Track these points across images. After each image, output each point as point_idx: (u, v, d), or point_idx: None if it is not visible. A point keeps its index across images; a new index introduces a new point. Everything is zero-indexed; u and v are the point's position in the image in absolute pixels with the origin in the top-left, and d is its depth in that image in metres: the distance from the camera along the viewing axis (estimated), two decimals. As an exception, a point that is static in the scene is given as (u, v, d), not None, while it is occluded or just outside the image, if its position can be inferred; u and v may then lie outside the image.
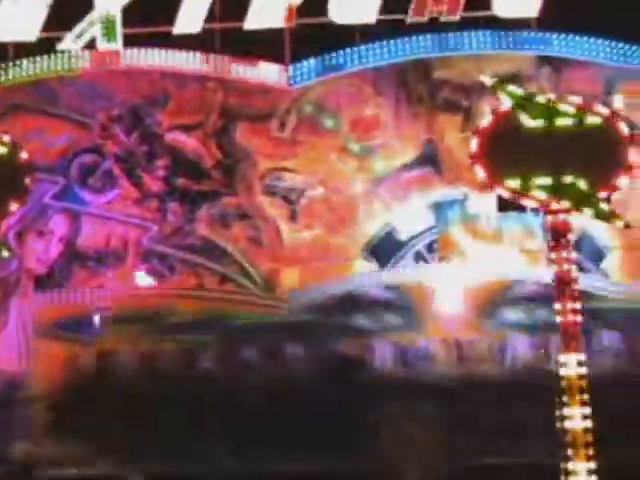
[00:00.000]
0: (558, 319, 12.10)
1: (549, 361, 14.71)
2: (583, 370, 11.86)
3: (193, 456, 14.10)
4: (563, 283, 12.28)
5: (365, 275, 15.89)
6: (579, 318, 12.14)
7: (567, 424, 11.82)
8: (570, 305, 12.13)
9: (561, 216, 12.38)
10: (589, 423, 11.59)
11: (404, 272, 15.88)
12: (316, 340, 15.29)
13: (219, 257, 15.98)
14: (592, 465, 11.04)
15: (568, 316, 12.08)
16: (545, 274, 12.66)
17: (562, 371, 11.85)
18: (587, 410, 11.60)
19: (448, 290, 15.25)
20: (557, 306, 12.12)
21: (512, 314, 15.47)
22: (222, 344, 15.26)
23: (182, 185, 16.22)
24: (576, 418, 11.82)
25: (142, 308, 15.26)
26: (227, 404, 14.42)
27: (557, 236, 12.34)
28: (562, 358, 11.87)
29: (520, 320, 15.44)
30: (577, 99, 13.31)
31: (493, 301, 15.14)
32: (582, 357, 11.87)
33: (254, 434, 14.11)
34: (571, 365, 11.78)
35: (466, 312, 15.28)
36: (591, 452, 11.10)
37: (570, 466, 11.11)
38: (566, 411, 11.80)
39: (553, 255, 12.18)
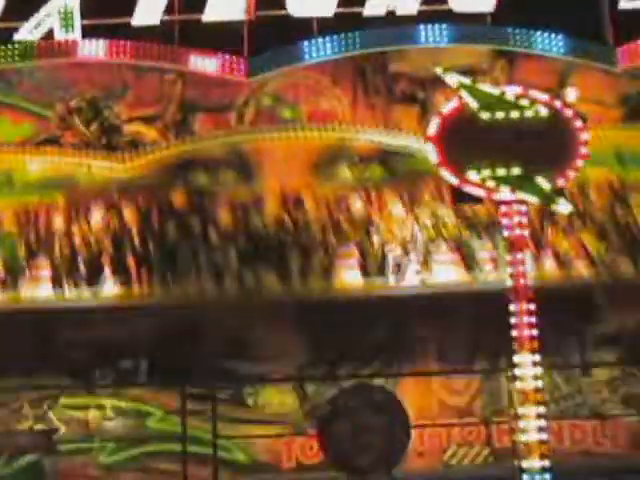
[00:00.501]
0: (513, 320, 12.25)
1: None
2: (538, 370, 11.98)
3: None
4: (517, 284, 12.38)
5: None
6: (533, 319, 12.26)
7: (521, 423, 11.97)
8: (525, 306, 12.23)
9: (515, 207, 12.46)
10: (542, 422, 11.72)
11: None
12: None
13: None
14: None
15: (523, 317, 12.17)
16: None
17: (517, 371, 12.00)
18: (542, 410, 11.72)
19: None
20: (512, 307, 12.25)
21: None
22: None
23: None
24: (532, 431, 11.96)
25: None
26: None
27: (512, 233, 12.41)
28: (516, 359, 12.01)
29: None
30: (531, 92, 13.40)
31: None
32: (537, 358, 11.98)
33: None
34: (526, 366, 11.89)
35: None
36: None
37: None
38: (520, 410, 11.93)
39: (508, 257, 12.27)
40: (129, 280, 14.81)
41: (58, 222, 15.22)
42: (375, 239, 15.26)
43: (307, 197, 15.74)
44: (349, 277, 15.18)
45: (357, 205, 15.65)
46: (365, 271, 15.20)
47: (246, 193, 15.61)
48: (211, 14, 16.56)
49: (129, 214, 15.35)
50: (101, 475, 15.10)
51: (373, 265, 15.17)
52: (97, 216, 15.38)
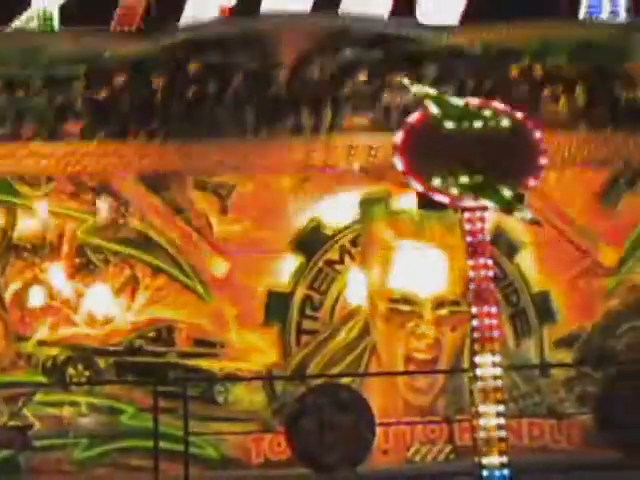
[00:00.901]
0: (475, 323, 12.47)
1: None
2: (498, 371, 12.21)
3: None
4: (479, 288, 12.61)
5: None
6: (495, 321, 12.49)
7: (481, 421, 12.19)
8: (486, 309, 12.47)
9: (477, 214, 12.69)
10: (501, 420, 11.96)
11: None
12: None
13: (152, 249, 15.80)
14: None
15: (484, 320, 12.42)
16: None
17: (478, 372, 12.23)
18: (501, 408, 11.95)
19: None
20: (474, 310, 12.47)
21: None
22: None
23: None
24: (492, 428, 12.19)
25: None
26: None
27: (473, 237, 12.64)
28: (478, 359, 12.23)
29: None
30: (493, 103, 13.64)
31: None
32: (497, 359, 12.22)
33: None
34: (486, 366, 12.12)
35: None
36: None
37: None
38: (480, 408, 12.16)
39: (471, 262, 12.49)
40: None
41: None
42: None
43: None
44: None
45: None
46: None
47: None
48: (187, 21, 16.66)
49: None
50: (75, 470, 15.15)
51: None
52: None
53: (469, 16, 17.01)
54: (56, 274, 15.69)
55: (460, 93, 15.71)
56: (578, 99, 16.41)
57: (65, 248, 15.73)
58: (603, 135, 16.17)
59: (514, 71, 16.44)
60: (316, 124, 15.72)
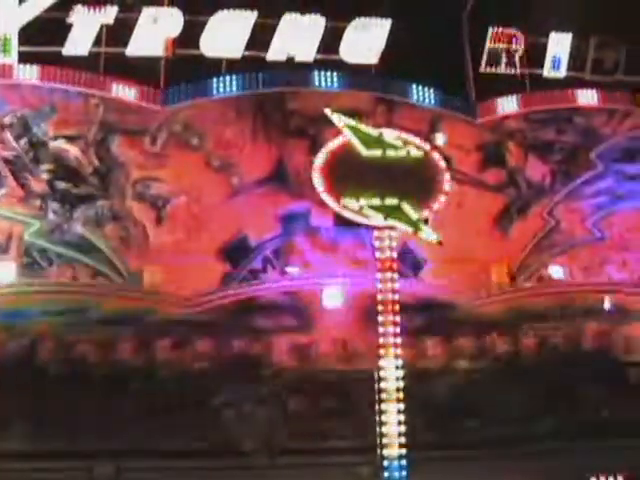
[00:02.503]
0: (381, 330, 13.04)
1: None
2: (400, 373, 12.79)
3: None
4: (386, 299, 13.24)
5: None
6: (398, 329, 13.10)
7: (384, 417, 12.77)
8: (391, 318, 13.09)
9: (386, 232, 13.40)
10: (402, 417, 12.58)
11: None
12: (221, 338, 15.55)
13: (93, 253, 15.99)
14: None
15: (389, 327, 13.04)
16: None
17: (381, 373, 12.79)
18: (402, 406, 12.55)
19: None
20: (380, 318, 13.08)
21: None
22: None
23: (63, 188, 16.21)
24: (391, 414, 12.74)
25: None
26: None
27: (383, 256, 13.30)
28: (382, 363, 12.82)
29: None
30: (405, 135, 14.47)
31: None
32: (400, 363, 12.82)
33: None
34: (390, 370, 12.73)
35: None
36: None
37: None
38: (384, 406, 12.75)
39: (379, 275, 13.12)
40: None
41: None
42: None
43: None
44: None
45: None
46: None
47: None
48: (134, 49, 16.82)
49: None
50: None
51: None
52: None
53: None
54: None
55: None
56: None
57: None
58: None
59: None
60: None
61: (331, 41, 17.50)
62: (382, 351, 12.81)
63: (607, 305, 16.56)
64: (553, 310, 16.40)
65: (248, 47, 17.31)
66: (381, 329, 13.03)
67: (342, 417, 15.23)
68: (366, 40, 17.69)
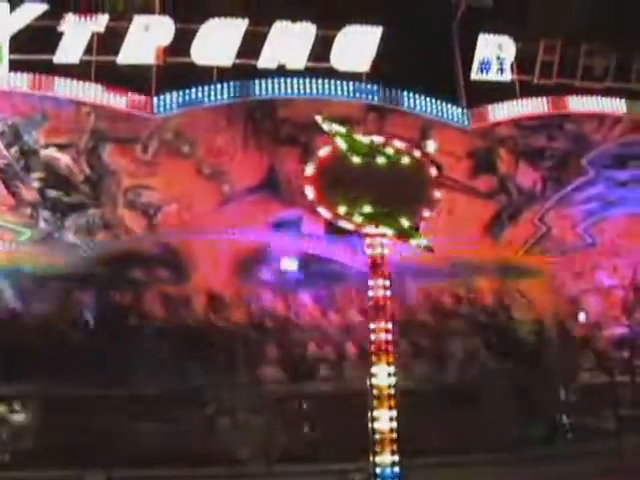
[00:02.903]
0: (372, 337, 13.00)
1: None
2: (392, 380, 12.76)
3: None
4: (378, 306, 13.16)
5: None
6: (390, 336, 13.03)
7: (376, 425, 12.72)
8: (383, 325, 13.00)
9: (378, 240, 13.30)
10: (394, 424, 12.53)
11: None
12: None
13: None
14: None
15: (381, 334, 12.95)
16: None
17: (374, 380, 12.73)
18: (394, 413, 12.51)
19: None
20: (372, 325, 13.00)
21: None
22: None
23: (54, 196, 16.14)
24: (384, 420, 12.70)
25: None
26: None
27: (374, 261, 13.22)
28: (374, 369, 12.76)
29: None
30: (395, 142, 14.37)
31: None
32: (392, 369, 12.77)
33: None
34: (382, 376, 12.66)
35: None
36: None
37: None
38: (376, 413, 12.68)
39: (371, 282, 13.06)
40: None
41: None
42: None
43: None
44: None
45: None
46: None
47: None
48: (125, 57, 16.64)
49: None
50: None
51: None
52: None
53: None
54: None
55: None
56: None
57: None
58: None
59: None
60: None
61: (322, 49, 17.31)
62: (374, 358, 12.70)
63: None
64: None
65: (239, 55, 17.10)
66: (373, 336, 12.97)
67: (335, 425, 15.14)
68: (357, 48, 17.48)
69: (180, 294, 16.15)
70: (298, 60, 17.30)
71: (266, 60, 17.24)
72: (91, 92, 16.26)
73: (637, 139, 18.06)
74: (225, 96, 16.89)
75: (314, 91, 17.03)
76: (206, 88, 16.90)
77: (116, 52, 16.75)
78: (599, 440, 14.12)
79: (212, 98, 16.85)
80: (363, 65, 17.43)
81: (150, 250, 15.91)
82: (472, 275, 17.53)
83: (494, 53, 18.43)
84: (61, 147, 16.37)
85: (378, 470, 12.13)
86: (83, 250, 15.80)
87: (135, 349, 15.29)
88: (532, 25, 18.41)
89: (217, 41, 17.12)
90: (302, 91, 17.02)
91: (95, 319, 15.72)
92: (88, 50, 16.68)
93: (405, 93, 17.47)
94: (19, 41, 16.31)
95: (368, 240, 13.11)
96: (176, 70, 17.01)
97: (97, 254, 15.85)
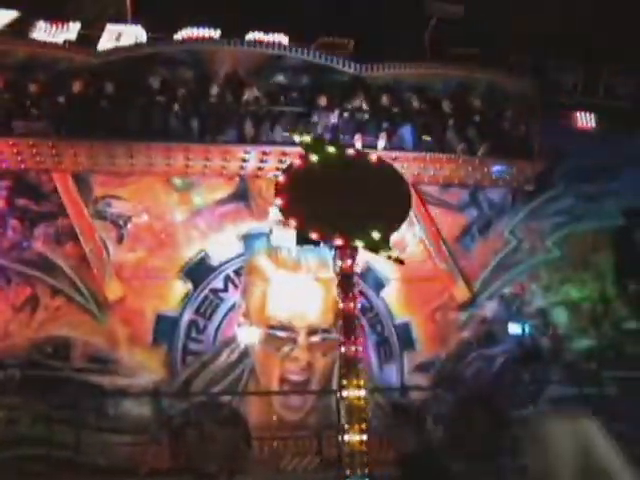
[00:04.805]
0: (342, 350, 12.64)
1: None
2: (361, 393, 12.39)
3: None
4: (347, 318, 12.79)
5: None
6: (360, 349, 12.69)
7: (346, 437, 12.36)
8: (353, 338, 12.65)
9: (348, 252, 12.91)
10: (364, 437, 12.16)
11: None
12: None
13: (52, 271, 15.34)
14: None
15: (351, 347, 12.59)
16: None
17: (344, 393, 12.36)
18: (364, 433, 12.14)
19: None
20: (341, 337, 12.64)
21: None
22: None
23: (22, 205, 15.55)
24: (354, 433, 12.36)
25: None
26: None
27: (344, 273, 12.81)
28: (344, 382, 12.37)
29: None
30: (369, 154, 13.94)
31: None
32: (361, 381, 12.41)
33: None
34: (352, 392, 12.31)
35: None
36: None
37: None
38: (346, 426, 12.33)
39: (340, 293, 12.67)
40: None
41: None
42: None
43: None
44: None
45: None
46: None
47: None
48: None
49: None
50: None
51: None
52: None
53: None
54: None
55: (377, 119, 16.35)
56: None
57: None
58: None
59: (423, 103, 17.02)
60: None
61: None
62: (344, 381, 12.29)
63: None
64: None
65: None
66: (343, 349, 12.61)
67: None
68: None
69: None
70: (270, 70, 16.85)
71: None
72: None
73: (605, 153, 17.84)
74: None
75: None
76: (178, 98, 16.41)
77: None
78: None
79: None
80: (335, 77, 16.94)
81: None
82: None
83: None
84: (30, 155, 15.69)
85: (348, 482, 11.85)
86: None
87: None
88: (501, 39, 18.05)
89: (189, 51, 16.62)
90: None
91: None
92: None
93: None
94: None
95: (338, 252, 12.75)
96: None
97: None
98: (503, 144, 16.96)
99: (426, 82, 17.37)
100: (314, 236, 12.75)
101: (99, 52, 16.18)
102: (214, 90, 16.15)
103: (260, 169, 16.02)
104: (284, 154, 15.64)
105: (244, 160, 15.87)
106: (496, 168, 16.95)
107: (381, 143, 16.16)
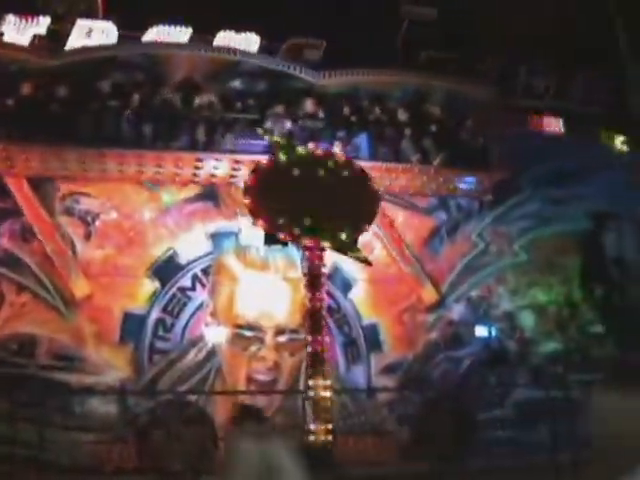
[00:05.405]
0: (309, 348, 12.60)
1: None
2: (328, 394, 12.36)
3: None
4: (314, 316, 12.80)
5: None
6: (327, 346, 12.67)
7: (311, 437, 12.33)
8: (319, 336, 12.64)
9: (316, 252, 12.90)
10: (330, 437, 12.13)
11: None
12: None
13: (18, 268, 15.09)
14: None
15: (318, 345, 12.59)
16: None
17: (310, 394, 12.33)
18: (330, 427, 12.12)
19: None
20: (308, 337, 12.62)
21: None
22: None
23: None
24: (320, 434, 12.31)
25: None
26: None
27: (312, 273, 12.81)
28: (310, 382, 12.35)
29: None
30: (338, 154, 13.96)
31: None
32: (328, 382, 12.38)
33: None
34: (318, 389, 12.28)
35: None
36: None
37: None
38: (312, 426, 12.30)
39: (308, 293, 12.63)
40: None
41: None
42: None
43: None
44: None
45: None
46: None
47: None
48: None
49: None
50: None
51: None
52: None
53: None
54: None
55: (333, 127, 16.22)
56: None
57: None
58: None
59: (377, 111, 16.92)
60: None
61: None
62: (310, 380, 12.33)
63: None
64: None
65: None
66: (309, 348, 12.66)
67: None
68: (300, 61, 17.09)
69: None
70: (241, 70, 16.76)
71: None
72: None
73: (573, 157, 17.91)
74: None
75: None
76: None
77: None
78: (535, 455, 13.79)
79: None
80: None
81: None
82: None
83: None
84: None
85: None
86: None
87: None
88: (475, 42, 18.08)
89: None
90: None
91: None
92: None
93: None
94: None
95: (306, 252, 12.77)
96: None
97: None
98: (460, 154, 16.87)
99: (384, 90, 17.27)
100: (282, 237, 12.78)
101: (57, 54, 15.92)
102: (168, 95, 15.97)
103: (213, 176, 15.80)
104: (237, 162, 15.54)
105: (197, 167, 15.66)
106: (465, 180, 16.94)
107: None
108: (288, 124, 15.85)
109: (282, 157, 13.16)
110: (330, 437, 12.82)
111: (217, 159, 15.72)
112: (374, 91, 17.20)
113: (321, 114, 16.40)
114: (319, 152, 13.76)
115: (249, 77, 16.57)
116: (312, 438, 12.48)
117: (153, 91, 15.97)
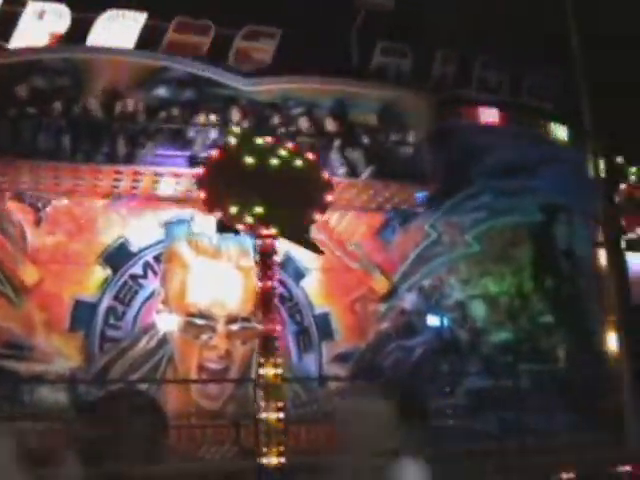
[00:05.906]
0: (259, 328, 12.50)
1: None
2: (279, 371, 12.25)
3: None
4: (266, 296, 12.68)
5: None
6: (278, 327, 12.58)
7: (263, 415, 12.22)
8: (271, 316, 12.53)
9: (268, 240, 12.78)
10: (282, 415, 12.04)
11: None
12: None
13: None
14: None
15: (269, 325, 12.49)
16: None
17: (262, 382, 12.20)
18: (281, 414, 12.03)
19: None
20: (260, 316, 12.50)
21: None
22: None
23: None
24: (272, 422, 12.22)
25: None
26: None
27: (264, 258, 12.71)
28: (262, 371, 12.24)
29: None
30: (290, 144, 13.83)
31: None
32: (280, 371, 12.29)
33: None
34: (269, 370, 12.17)
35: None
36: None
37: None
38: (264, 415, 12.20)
39: (259, 272, 12.54)
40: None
41: None
42: None
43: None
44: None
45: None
46: None
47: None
48: (17, 44, 15.77)
49: None
50: None
51: None
52: None
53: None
54: None
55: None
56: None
57: None
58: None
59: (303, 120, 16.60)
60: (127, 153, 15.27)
61: (221, 48, 16.76)
62: (262, 359, 12.22)
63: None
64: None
65: (138, 48, 16.32)
66: (261, 326, 12.56)
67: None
68: (256, 50, 17.00)
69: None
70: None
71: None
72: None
73: (525, 150, 17.98)
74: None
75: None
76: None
77: (7, 39, 15.78)
78: (483, 442, 13.91)
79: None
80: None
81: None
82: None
83: (392, 62, 18.13)
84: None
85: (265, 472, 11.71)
86: None
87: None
88: (429, 34, 18.03)
89: (114, 33, 16.21)
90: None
91: None
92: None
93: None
94: None
95: (259, 241, 12.65)
96: (70, 61, 15.90)
97: None
98: (391, 166, 16.44)
99: (314, 98, 16.92)
100: (235, 225, 12.66)
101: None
102: (89, 103, 15.46)
103: (134, 188, 15.47)
104: (158, 174, 15.23)
105: (117, 180, 15.27)
106: (419, 195, 16.80)
107: None
108: (214, 133, 15.58)
109: (233, 144, 12.97)
110: (281, 414, 12.65)
111: (137, 172, 15.23)
112: (303, 99, 16.81)
113: (246, 124, 15.91)
114: (272, 141, 13.61)
115: (177, 83, 16.15)
116: (264, 427, 12.32)
117: (73, 99, 15.42)
